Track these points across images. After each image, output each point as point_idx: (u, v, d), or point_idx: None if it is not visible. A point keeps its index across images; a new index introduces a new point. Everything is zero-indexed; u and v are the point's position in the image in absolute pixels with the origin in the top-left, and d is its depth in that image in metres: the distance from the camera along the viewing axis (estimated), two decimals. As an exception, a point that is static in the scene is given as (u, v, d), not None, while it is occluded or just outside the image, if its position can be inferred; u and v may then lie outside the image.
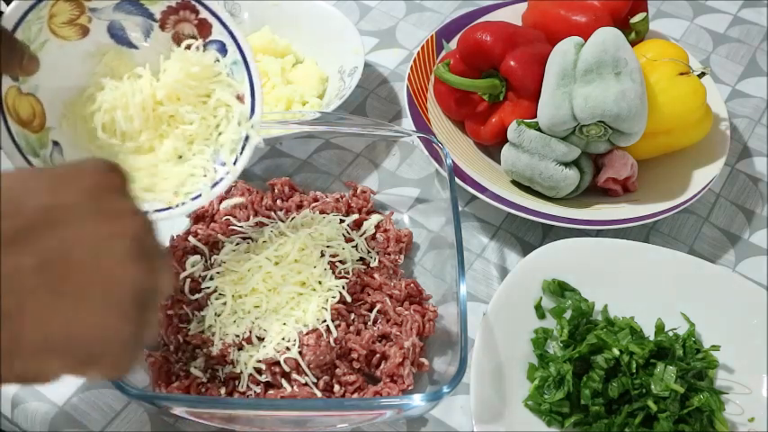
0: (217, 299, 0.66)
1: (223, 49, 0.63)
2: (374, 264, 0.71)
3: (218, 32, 0.62)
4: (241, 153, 0.62)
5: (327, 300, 0.66)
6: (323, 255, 0.69)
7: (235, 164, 0.62)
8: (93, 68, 0.62)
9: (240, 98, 0.63)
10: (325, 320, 0.65)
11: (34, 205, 0.36)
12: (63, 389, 0.67)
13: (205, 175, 0.62)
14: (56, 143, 0.59)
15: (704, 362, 0.67)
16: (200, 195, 0.60)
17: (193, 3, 0.62)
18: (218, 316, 0.65)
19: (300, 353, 0.63)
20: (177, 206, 0.60)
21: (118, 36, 0.62)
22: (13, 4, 0.55)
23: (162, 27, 0.63)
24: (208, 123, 0.63)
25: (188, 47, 0.63)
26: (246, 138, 0.62)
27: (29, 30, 0.56)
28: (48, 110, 0.59)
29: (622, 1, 0.83)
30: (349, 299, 0.67)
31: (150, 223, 0.41)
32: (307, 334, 0.64)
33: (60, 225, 0.36)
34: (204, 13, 0.62)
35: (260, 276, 0.66)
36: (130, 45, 0.63)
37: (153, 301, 0.40)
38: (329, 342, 0.64)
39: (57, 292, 0.35)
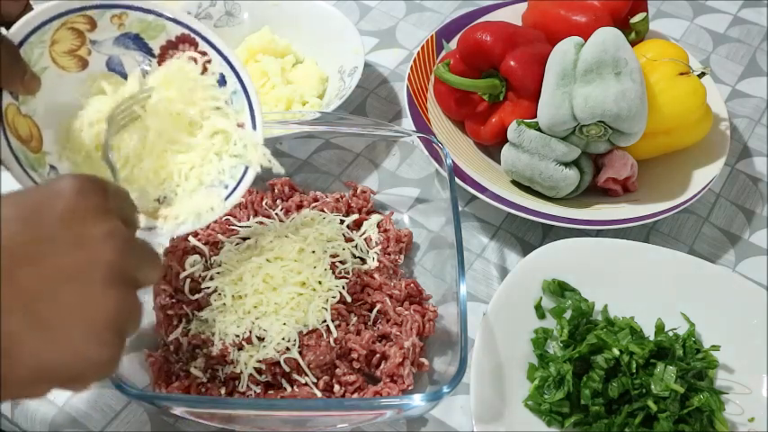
0: (215, 300, 0.66)
1: (223, 81, 0.62)
2: (374, 264, 0.71)
3: (217, 64, 0.62)
4: (240, 181, 0.61)
5: (327, 300, 0.66)
6: (323, 255, 0.69)
7: (235, 190, 0.61)
8: (88, 92, 0.61)
9: (240, 126, 0.62)
10: (325, 320, 0.65)
11: (11, 244, 0.37)
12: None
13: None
14: (53, 167, 0.58)
15: (704, 362, 0.67)
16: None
17: (193, 36, 0.61)
18: (220, 314, 0.65)
19: (300, 353, 0.63)
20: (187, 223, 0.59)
21: (116, 71, 0.62)
22: (19, 22, 0.54)
23: (160, 63, 0.62)
24: (205, 148, 0.62)
25: (193, 59, 0.62)
26: (245, 168, 0.62)
27: (31, 52, 0.55)
28: (45, 135, 0.58)
29: (622, 1, 0.83)
30: (349, 299, 0.67)
31: (127, 239, 0.41)
32: (307, 334, 0.64)
33: (38, 260, 0.38)
34: (203, 46, 0.61)
35: (260, 276, 0.66)
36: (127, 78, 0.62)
37: (133, 318, 0.42)
38: (329, 342, 0.64)
39: (42, 327, 0.37)
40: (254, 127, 0.62)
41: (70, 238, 0.39)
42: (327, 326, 0.64)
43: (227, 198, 0.61)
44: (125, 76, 0.62)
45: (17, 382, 0.38)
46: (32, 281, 0.37)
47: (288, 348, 0.63)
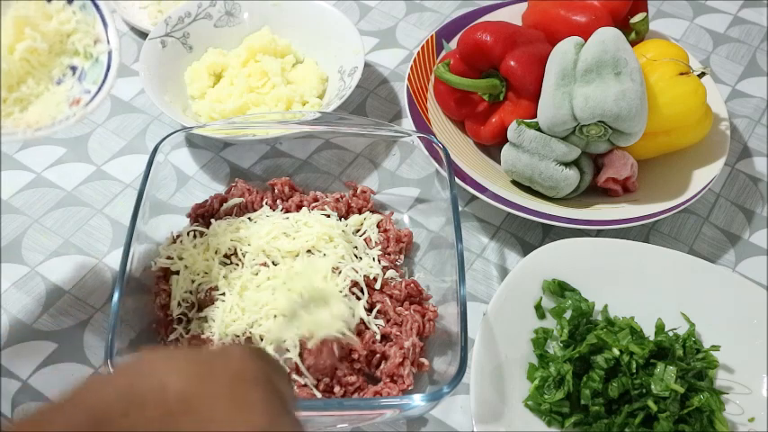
0: (215, 299, 0.66)
1: None
2: (374, 264, 0.71)
3: None
4: (107, 72, 0.62)
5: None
6: (324, 256, 0.69)
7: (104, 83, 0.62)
8: None
9: (98, 41, 0.63)
10: None
11: (177, 392, 0.37)
12: (63, 389, 0.67)
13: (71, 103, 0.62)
14: None
15: (704, 362, 0.67)
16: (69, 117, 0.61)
17: None
18: (221, 314, 0.65)
19: (300, 355, 0.63)
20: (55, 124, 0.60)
21: None
22: None
23: None
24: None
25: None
26: (109, 63, 0.62)
27: None
28: None
29: (622, 1, 0.83)
30: (349, 300, 0.67)
31: (283, 410, 0.41)
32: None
33: (196, 411, 0.37)
34: None
35: (260, 277, 0.66)
36: None
37: None
38: (332, 347, 0.63)
39: None
40: (106, 28, 0.63)
41: (232, 397, 0.39)
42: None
43: (88, 103, 0.61)
44: None
45: None
46: (189, 427, 0.37)
47: (288, 350, 0.63)
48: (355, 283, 0.68)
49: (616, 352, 0.65)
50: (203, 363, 0.40)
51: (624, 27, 0.84)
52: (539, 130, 0.76)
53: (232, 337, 0.64)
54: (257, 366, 0.41)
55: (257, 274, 0.67)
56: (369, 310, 0.68)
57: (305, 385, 0.63)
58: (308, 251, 0.69)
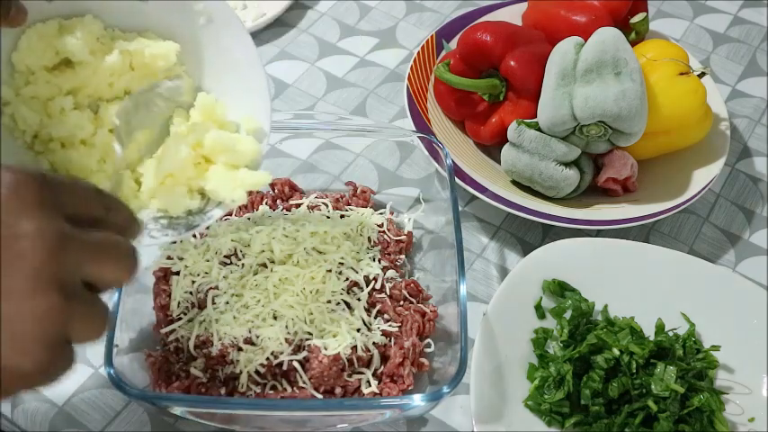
0: (214, 304, 0.66)
1: None
2: (374, 264, 0.71)
3: None
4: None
5: (330, 302, 0.66)
6: (324, 257, 0.69)
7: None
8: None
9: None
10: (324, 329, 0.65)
11: None
12: (63, 389, 0.67)
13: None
14: None
15: (704, 362, 0.67)
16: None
17: None
18: (222, 314, 0.65)
19: (302, 364, 0.63)
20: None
21: None
22: None
23: None
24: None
25: None
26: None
27: None
28: None
29: (622, 1, 0.83)
30: (350, 300, 0.67)
31: (64, 238, 0.37)
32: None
33: None
34: None
35: (260, 277, 0.66)
36: None
37: (79, 326, 0.38)
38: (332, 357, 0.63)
39: None
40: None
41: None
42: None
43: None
44: None
45: None
46: None
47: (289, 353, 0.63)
48: (355, 283, 0.68)
49: (616, 352, 0.65)
50: None
51: (624, 27, 0.84)
52: (539, 130, 0.76)
53: (232, 338, 0.63)
54: (26, 193, 0.36)
55: (257, 274, 0.67)
56: (369, 310, 0.68)
57: (305, 386, 0.63)
58: (308, 251, 0.69)
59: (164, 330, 0.66)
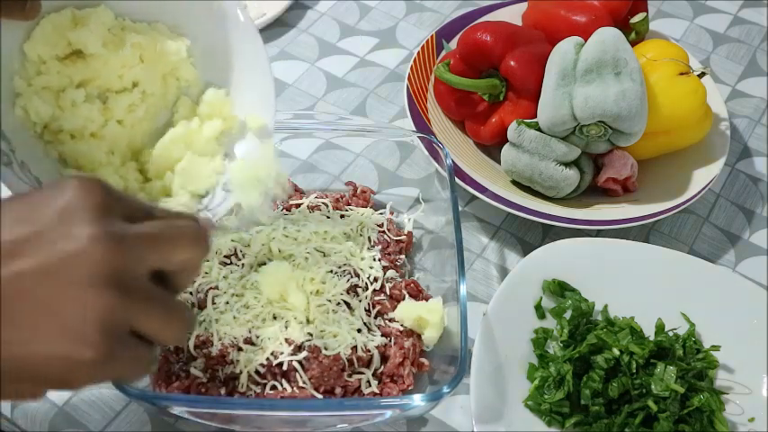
0: (214, 304, 0.66)
1: None
2: (374, 264, 0.71)
3: None
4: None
5: (330, 302, 0.66)
6: (324, 258, 0.69)
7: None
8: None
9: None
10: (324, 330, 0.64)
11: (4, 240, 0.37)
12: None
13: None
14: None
15: (704, 362, 0.67)
16: None
17: None
18: (222, 314, 0.65)
19: (302, 364, 0.63)
20: None
21: None
22: None
23: None
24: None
25: None
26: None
27: None
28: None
29: (622, 1, 0.83)
30: (350, 300, 0.67)
31: (124, 240, 0.39)
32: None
33: (22, 256, 0.37)
34: None
35: (260, 277, 0.66)
36: None
37: (140, 319, 0.39)
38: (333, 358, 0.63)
39: (13, 323, 0.37)
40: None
41: (60, 235, 0.37)
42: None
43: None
44: None
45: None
46: (11, 276, 0.36)
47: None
48: (355, 284, 0.68)
49: (616, 352, 0.65)
50: (28, 204, 0.39)
51: (624, 27, 0.84)
52: (539, 130, 0.76)
53: (232, 338, 0.63)
54: (90, 197, 0.39)
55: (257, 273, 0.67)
56: (369, 311, 0.68)
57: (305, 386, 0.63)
58: (309, 251, 0.69)
59: (164, 330, 0.65)
